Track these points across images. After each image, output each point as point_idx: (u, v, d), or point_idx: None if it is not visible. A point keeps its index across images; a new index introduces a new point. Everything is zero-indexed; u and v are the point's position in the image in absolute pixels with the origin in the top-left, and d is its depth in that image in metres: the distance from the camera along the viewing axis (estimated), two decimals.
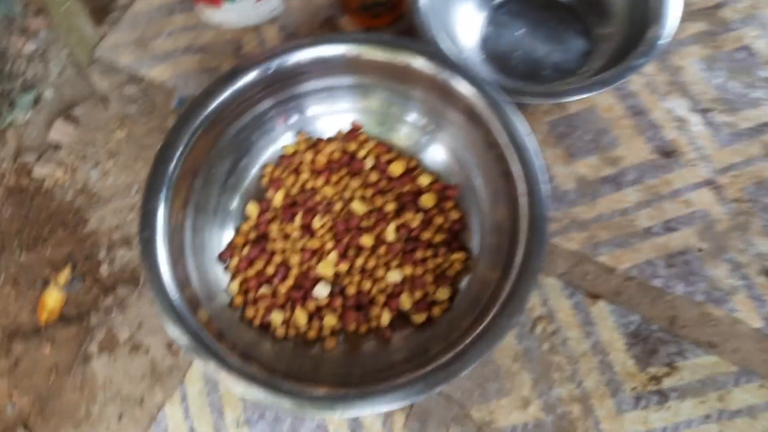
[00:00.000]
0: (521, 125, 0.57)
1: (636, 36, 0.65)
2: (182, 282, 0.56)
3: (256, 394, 0.51)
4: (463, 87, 0.58)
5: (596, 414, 0.58)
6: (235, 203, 0.66)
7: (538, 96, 0.63)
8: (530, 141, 0.56)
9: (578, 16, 0.73)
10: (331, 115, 0.68)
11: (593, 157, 0.67)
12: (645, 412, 0.58)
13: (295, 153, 0.67)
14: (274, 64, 0.61)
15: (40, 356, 0.67)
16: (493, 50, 0.73)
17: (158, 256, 0.55)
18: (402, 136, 0.67)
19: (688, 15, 0.74)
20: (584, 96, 0.61)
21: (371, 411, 0.50)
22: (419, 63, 0.60)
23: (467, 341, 0.52)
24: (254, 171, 0.67)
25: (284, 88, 0.63)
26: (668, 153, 0.67)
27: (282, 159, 0.67)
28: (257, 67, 0.61)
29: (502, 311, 0.52)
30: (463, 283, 0.61)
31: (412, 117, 0.66)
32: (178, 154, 0.58)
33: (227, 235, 0.65)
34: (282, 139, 0.68)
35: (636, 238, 0.64)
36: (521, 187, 0.55)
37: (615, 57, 0.65)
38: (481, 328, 0.52)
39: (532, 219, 0.54)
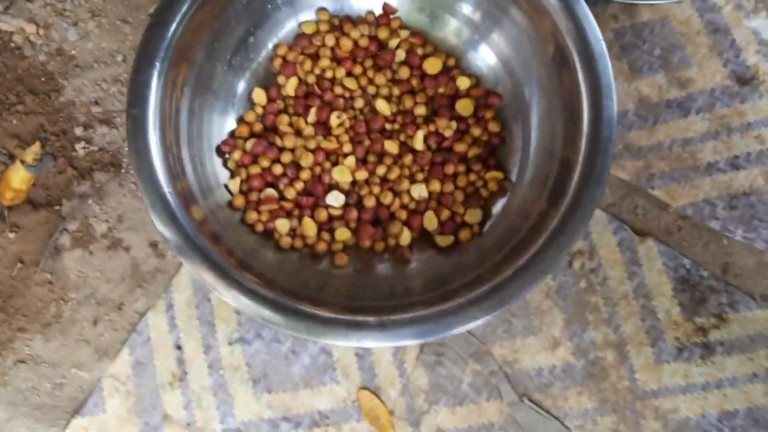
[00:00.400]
0: (594, 28, 0.48)
1: None
2: (175, 172, 0.48)
3: (262, 313, 0.44)
4: None
5: (632, 362, 0.53)
6: (241, 86, 0.56)
7: None
8: (602, 48, 0.48)
9: None
10: None
11: (660, 76, 0.59)
12: (687, 364, 0.53)
13: (315, 33, 0.57)
14: None
15: (3, 243, 0.58)
16: None
17: (149, 138, 0.47)
18: (448, 29, 0.57)
19: None
20: (663, 1, 0.52)
21: (391, 343, 0.44)
22: None
23: (506, 275, 0.46)
24: (266, 50, 0.57)
25: None
26: (746, 80, 0.58)
27: (299, 38, 0.57)
28: None
29: (549, 245, 0.46)
30: (498, 207, 0.54)
31: (465, 8, 0.55)
32: (178, 18, 0.48)
33: (229, 123, 0.56)
34: (302, 15, 0.57)
35: (696, 172, 0.56)
36: (584, 102, 0.47)
37: None
38: (522, 261, 0.46)
39: (594, 141, 0.47)
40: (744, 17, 0.60)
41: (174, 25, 0.48)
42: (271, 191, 0.54)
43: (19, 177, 0.59)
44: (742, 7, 0.60)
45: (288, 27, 0.57)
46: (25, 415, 0.55)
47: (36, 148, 0.60)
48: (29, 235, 0.58)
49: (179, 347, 0.55)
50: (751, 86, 0.58)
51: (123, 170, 0.59)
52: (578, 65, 0.48)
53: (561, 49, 0.48)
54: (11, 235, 0.58)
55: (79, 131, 0.61)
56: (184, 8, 0.48)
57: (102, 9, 0.64)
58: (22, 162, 0.59)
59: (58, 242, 0.58)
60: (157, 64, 0.47)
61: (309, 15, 0.57)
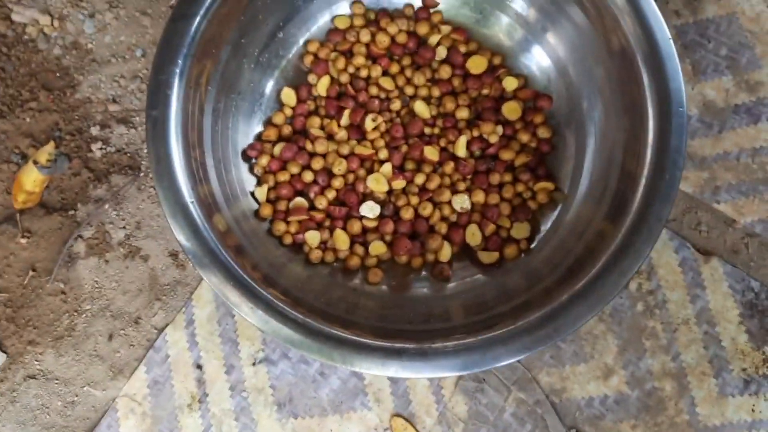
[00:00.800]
0: (662, 26, 0.43)
1: None
2: (197, 178, 0.44)
3: (291, 337, 0.41)
4: None
5: (692, 394, 0.49)
6: (269, 86, 0.53)
7: None
8: (671, 48, 0.43)
9: None
10: None
11: (727, 78, 0.54)
12: (754, 399, 0.49)
13: (349, 28, 0.53)
14: None
15: (15, 249, 0.55)
16: None
17: (170, 142, 0.43)
18: (497, 28, 0.53)
19: None
20: None
21: (432, 374, 0.40)
22: None
23: (560, 301, 0.42)
24: (296, 47, 0.53)
25: None
26: None
27: (332, 34, 0.53)
28: None
29: (609, 269, 0.42)
30: (548, 222, 0.50)
31: (517, 4, 0.50)
32: (202, 11, 0.45)
33: (256, 126, 0.52)
34: (336, 8, 0.53)
35: (767, 186, 0.51)
36: (650, 108, 0.43)
37: None
38: (579, 286, 0.42)
39: (662, 151, 0.43)
40: None
41: (198, 19, 0.44)
42: (300, 200, 0.50)
43: (31, 179, 0.55)
44: None
45: (320, 21, 0.53)
46: None
47: (50, 148, 0.56)
48: (42, 242, 0.55)
49: (199, 366, 0.51)
50: None
51: (142, 173, 0.56)
52: (643, 68, 0.43)
53: (624, 50, 0.44)
54: (23, 241, 0.55)
55: (95, 131, 0.57)
56: (207, 4, 0.44)
57: (120, 0, 0.60)
58: (35, 163, 0.55)
59: (72, 249, 0.54)
60: (180, 62, 0.44)
61: (343, 8, 0.53)
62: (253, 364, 0.51)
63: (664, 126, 0.42)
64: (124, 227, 0.55)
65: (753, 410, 0.48)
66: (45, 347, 0.53)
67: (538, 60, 0.52)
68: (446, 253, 0.49)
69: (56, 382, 0.52)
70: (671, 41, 0.43)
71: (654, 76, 0.43)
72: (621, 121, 0.45)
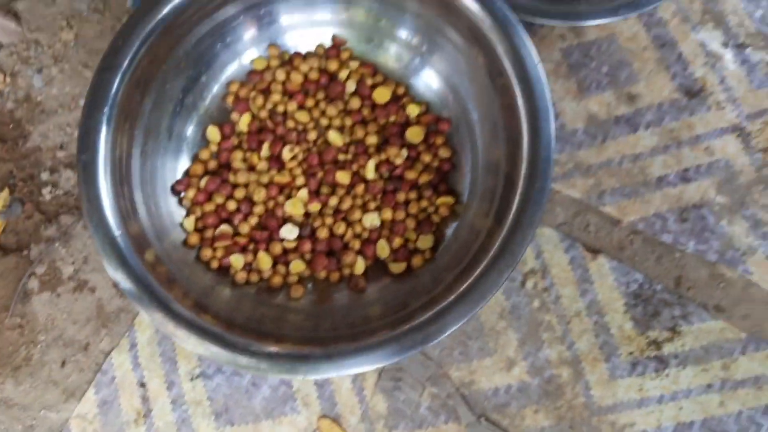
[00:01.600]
0: (531, 52, 0.48)
1: None
2: (126, 215, 0.49)
3: (209, 349, 0.45)
4: (468, 1, 0.49)
5: (587, 379, 0.53)
6: (192, 127, 0.57)
7: (553, 17, 0.53)
8: (539, 71, 0.48)
9: None
10: (309, 26, 0.58)
11: (608, 93, 0.59)
12: (641, 379, 0.53)
13: (265, 69, 0.58)
14: None
15: None
16: None
17: (99, 183, 0.48)
18: (390, 56, 0.58)
19: None
20: (608, 21, 0.53)
21: (337, 374, 0.45)
22: None
23: (450, 298, 0.46)
24: (216, 89, 0.58)
25: None
26: (694, 93, 0.58)
27: (250, 75, 0.58)
28: None
29: (492, 266, 0.46)
30: (449, 231, 0.55)
31: (404, 34, 0.56)
32: (125, 63, 0.49)
33: (183, 163, 0.57)
34: (250, 53, 0.58)
35: (647, 187, 0.57)
36: (524, 124, 0.48)
37: None
38: (466, 284, 0.46)
39: (534, 162, 0.47)
40: (690, 30, 0.60)
41: (120, 72, 0.49)
42: (225, 227, 0.54)
43: None
44: (689, 19, 0.60)
45: (237, 65, 0.58)
46: None
47: (5, 194, 0.62)
48: (0, 281, 0.60)
49: (143, 385, 0.56)
50: (699, 98, 0.58)
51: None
52: (516, 89, 0.48)
53: (498, 72, 0.49)
54: None
55: (45, 176, 0.62)
56: (131, 55, 0.49)
57: (64, 55, 0.66)
58: None
59: (27, 286, 0.59)
60: (106, 110, 0.48)
61: (260, 51, 0.58)
62: (191, 379, 0.56)
63: (534, 140, 0.47)
64: (72, 263, 0.60)
65: (640, 389, 0.53)
66: (5, 377, 0.57)
67: (430, 83, 0.57)
68: (360, 266, 0.54)
69: (16, 408, 0.57)
70: (539, 66, 0.48)
71: (525, 96, 0.48)
72: (502, 136, 0.50)
